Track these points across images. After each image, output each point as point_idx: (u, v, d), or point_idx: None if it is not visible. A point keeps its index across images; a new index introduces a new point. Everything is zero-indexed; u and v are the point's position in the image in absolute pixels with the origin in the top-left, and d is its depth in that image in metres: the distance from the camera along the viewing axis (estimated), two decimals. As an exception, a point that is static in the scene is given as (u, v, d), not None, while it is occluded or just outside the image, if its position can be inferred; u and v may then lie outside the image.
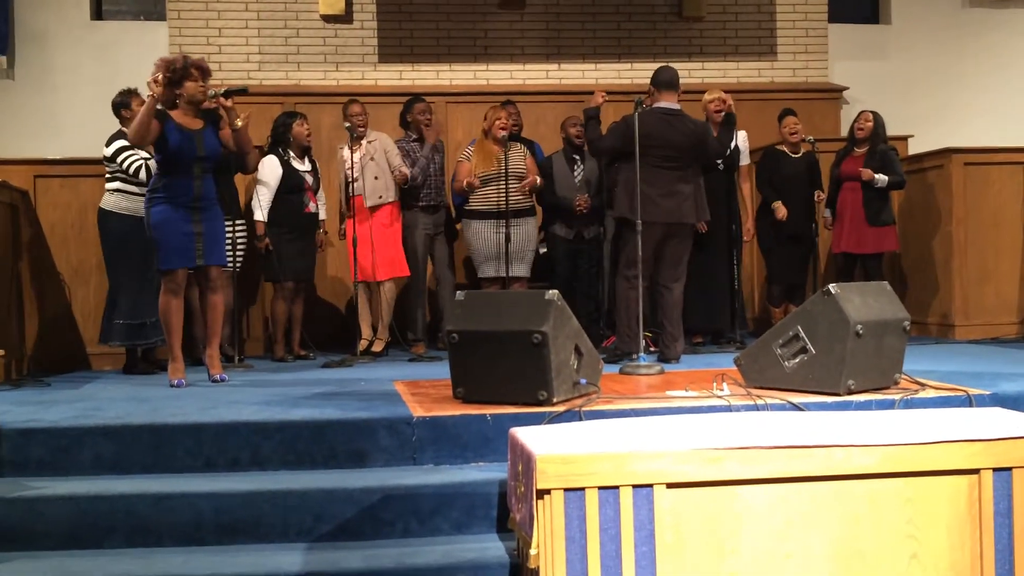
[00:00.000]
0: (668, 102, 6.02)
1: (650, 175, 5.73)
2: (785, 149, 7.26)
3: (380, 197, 6.76)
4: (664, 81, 6.07)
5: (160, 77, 5.24)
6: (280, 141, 6.82)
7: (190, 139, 5.29)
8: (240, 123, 5.39)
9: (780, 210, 7.08)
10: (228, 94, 5.37)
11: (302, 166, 6.85)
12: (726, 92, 6.95)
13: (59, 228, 6.78)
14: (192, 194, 5.32)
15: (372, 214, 6.76)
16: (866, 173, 6.95)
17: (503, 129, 6.66)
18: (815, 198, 7.15)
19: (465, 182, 6.81)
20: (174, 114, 5.34)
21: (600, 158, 6.65)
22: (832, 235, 7.34)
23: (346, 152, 6.71)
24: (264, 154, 6.83)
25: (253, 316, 7.68)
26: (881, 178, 6.97)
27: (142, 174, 5.98)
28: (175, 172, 5.32)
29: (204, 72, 5.39)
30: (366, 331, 6.92)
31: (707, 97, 7.02)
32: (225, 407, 4.41)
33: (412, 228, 6.99)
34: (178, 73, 5.32)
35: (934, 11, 9.55)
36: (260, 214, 6.71)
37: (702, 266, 6.74)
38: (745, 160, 7.16)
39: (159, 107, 5.30)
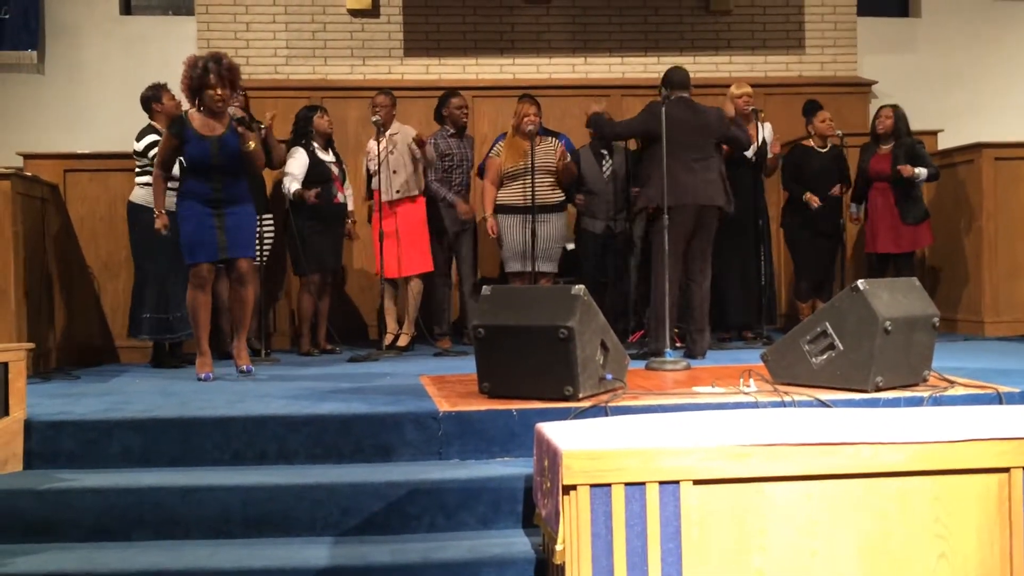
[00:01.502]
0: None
1: (679, 161, 5.76)
2: (812, 144, 7.20)
3: (397, 192, 6.75)
4: (677, 82, 6.10)
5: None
6: (302, 135, 6.85)
7: (206, 147, 5.31)
8: (252, 146, 5.37)
9: (813, 200, 7.02)
10: (239, 122, 5.38)
11: (327, 157, 6.87)
12: (753, 87, 6.94)
13: (88, 222, 6.84)
14: (212, 196, 5.35)
15: (397, 208, 6.76)
16: (907, 170, 6.86)
17: (532, 123, 6.64)
18: (839, 192, 7.09)
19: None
20: (196, 120, 5.36)
21: (622, 140, 6.65)
22: (866, 236, 7.27)
23: (371, 144, 6.72)
24: (289, 147, 6.85)
25: (279, 310, 7.72)
26: (921, 171, 6.90)
27: (175, 169, 6.02)
28: (195, 176, 5.36)
29: (223, 77, 5.32)
30: (391, 325, 6.94)
31: (735, 91, 6.99)
32: (253, 400, 4.43)
33: (438, 224, 6.99)
34: (196, 81, 5.32)
35: (964, 4, 9.44)
36: (295, 185, 6.68)
37: (730, 261, 6.72)
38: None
39: (178, 115, 5.43)
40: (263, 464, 3.92)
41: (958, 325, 7.43)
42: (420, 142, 6.64)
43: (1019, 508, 3.02)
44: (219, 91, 5.29)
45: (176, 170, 5.98)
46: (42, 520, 3.58)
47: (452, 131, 7.05)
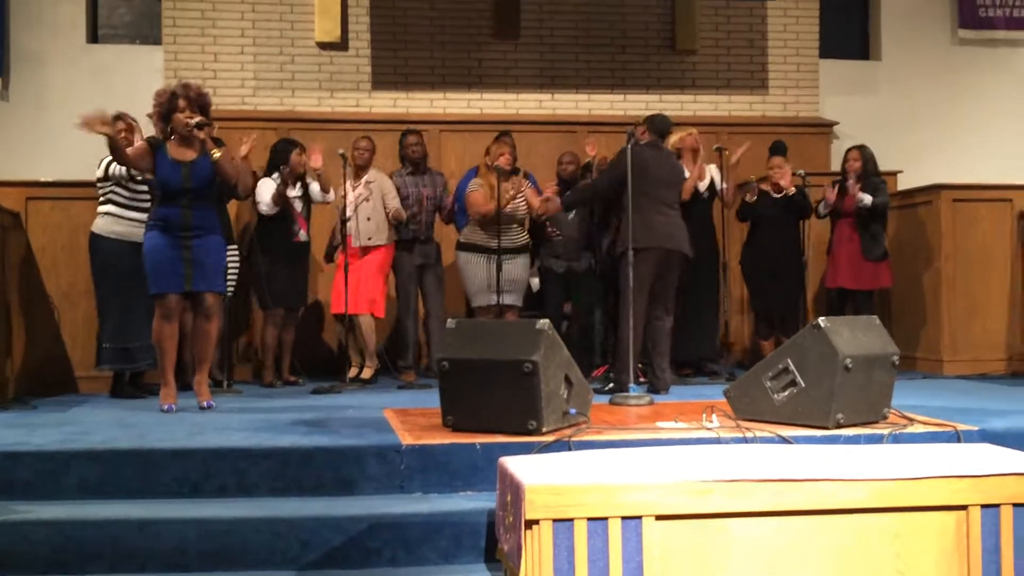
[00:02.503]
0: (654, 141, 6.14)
1: (651, 204, 5.84)
2: (768, 188, 7.27)
3: (369, 239, 6.78)
4: (660, 130, 6.21)
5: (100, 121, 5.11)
6: (276, 167, 6.84)
7: (177, 173, 5.29)
8: (217, 154, 5.35)
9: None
10: (199, 126, 5.34)
11: (293, 192, 6.86)
12: (717, 125, 7.08)
13: (50, 250, 6.76)
14: (181, 223, 5.31)
15: (366, 251, 6.78)
16: (851, 188, 6.98)
17: (507, 164, 6.69)
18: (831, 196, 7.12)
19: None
20: (169, 146, 5.35)
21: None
22: (827, 270, 7.36)
23: (346, 187, 6.71)
24: (258, 178, 6.84)
25: (242, 342, 7.67)
26: (865, 196, 6.99)
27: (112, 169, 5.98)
28: (165, 201, 5.34)
29: (192, 101, 5.31)
30: (355, 358, 6.91)
31: (679, 134, 6.99)
32: (213, 433, 4.39)
33: (402, 259, 7.00)
34: (165, 107, 5.32)
35: (924, 48, 9.64)
36: (267, 198, 6.69)
37: (689, 297, 6.77)
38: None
39: (153, 138, 5.37)
40: (223, 497, 3.88)
41: (917, 363, 7.52)
42: (397, 219, 6.79)
43: (977, 545, 3.05)
44: (189, 111, 5.28)
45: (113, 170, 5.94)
46: (-5, 552, 3.51)
47: (410, 168, 7.09)
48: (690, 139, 7.04)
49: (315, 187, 6.82)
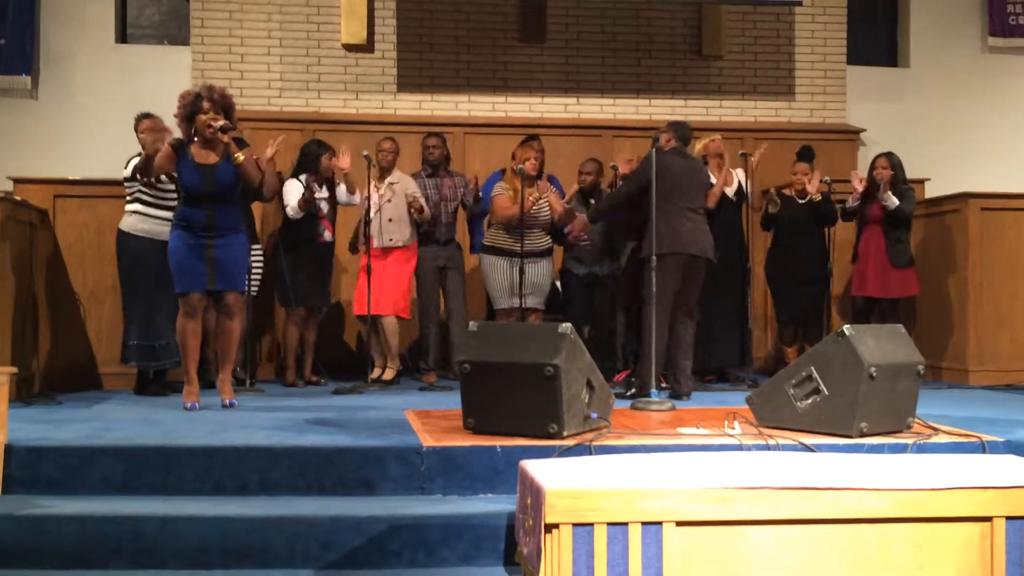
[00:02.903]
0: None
1: (675, 210, 5.84)
2: (792, 193, 7.24)
3: (390, 240, 6.78)
4: (683, 136, 6.20)
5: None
6: (305, 168, 6.86)
7: (200, 175, 5.32)
8: (240, 158, 5.36)
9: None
10: (223, 130, 5.33)
11: (320, 194, 6.88)
12: (743, 131, 7.06)
13: (76, 248, 6.82)
14: (204, 223, 5.34)
15: (390, 253, 6.79)
16: (884, 189, 6.93)
17: (533, 169, 6.69)
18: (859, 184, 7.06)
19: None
20: (194, 148, 5.37)
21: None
22: (854, 278, 7.31)
23: (369, 188, 6.73)
24: (284, 180, 6.87)
25: (265, 340, 7.70)
26: (891, 197, 6.94)
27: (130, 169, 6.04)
28: (188, 202, 5.37)
29: (216, 104, 5.32)
30: (378, 359, 6.92)
31: (703, 141, 7.03)
32: (235, 431, 4.41)
33: (424, 260, 7.01)
34: (188, 108, 5.33)
35: (952, 55, 9.57)
36: (294, 202, 6.72)
37: (714, 303, 6.74)
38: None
39: (177, 140, 5.41)
40: (244, 495, 3.90)
41: (942, 373, 7.46)
42: (418, 209, 6.74)
43: (1001, 557, 3.02)
44: (210, 115, 5.29)
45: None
46: (19, 546, 3.54)
47: (429, 170, 7.10)
48: (714, 145, 7.05)
49: (342, 188, 6.84)
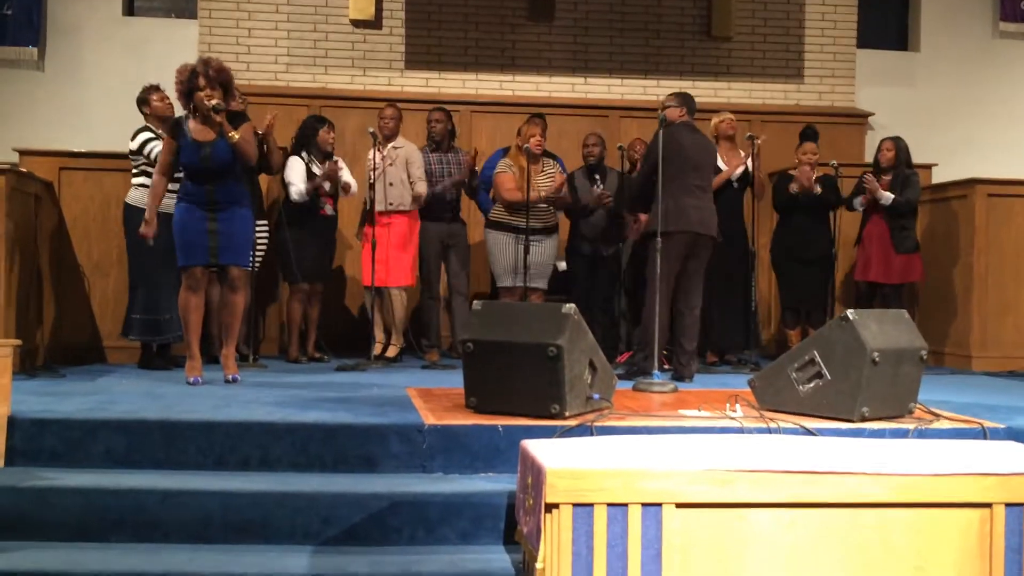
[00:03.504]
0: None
1: (684, 187, 5.81)
2: (798, 175, 7.21)
3: (391, 204, 6.77)
4: (693, 109, 6.16)
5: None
6: (305, 143, 6.86)
7: (197, 152, 5.31)
8: (235, 136, 5.32)
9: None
10: (215, 110, 5.30)
11: (321, 170, 6.88)
12: (751, 113, 7.04)
13: (81, 221, 6.82)
14: (205, 198, 5.35)
15: (389, 220, 6.78)
16: (871, 182, 6.89)
17: (539, 146, 6.66)
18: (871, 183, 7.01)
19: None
20: (191, 125, 5.36)
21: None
22: (857, 263, 7.30)
23: (371, 154, 6.73)
24: (287, 155, 6.87)
25: (269, 316, 7.71)
26: (886, 195, 6.93)
27: (147, 148, 6.04)
28: (190, 179, 5.38)
29: (212, 81, 5.29)
30: (379, 335, 6.93)
31: (716, 119, 7.04)
32: (238, 406, 4.42)
33: (427, 236, 7.00)
34: (186, 85, 5.31)
35: (963, 40, 9.52)
36: (303, 187, 6.72)
37: (719, 286, 6.74)
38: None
39: (174, 120, 5.43)
40: (246, 471, 3.91)
41: (945, 359, 7.45)
42: (415, 196, 6.79)
43: (1000, 544, 3.02)
44: (207, 91, 5.27)
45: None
46: (21, 518, 3.56)
47: (432, 146, 7.08)
48: (724, 126, 7.02)
49: (346, 173, 6.82)
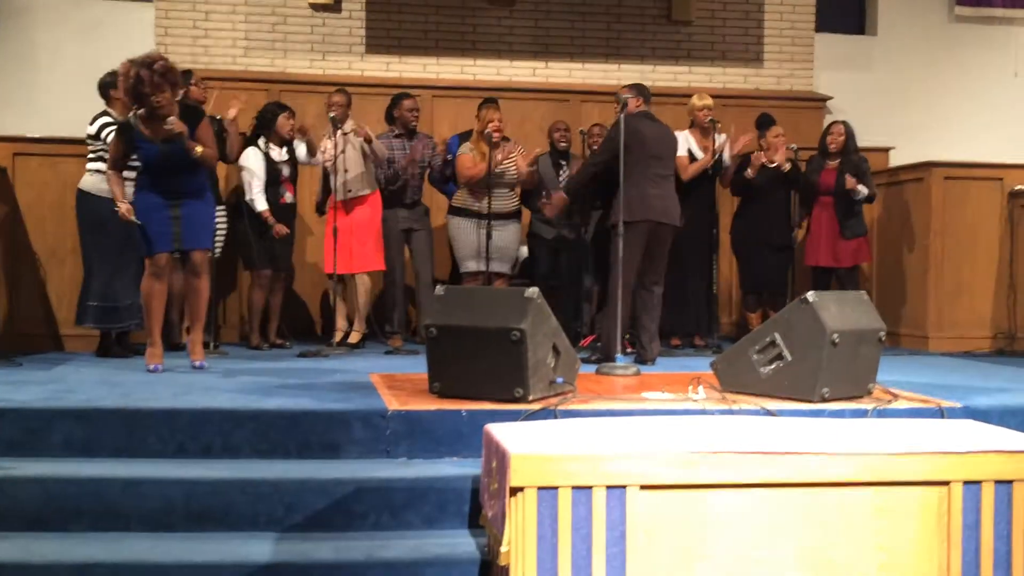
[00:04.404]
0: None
1: (645, 176, 5.82)
2: (763, 158, 7.24)
3: (349, 191, 6.71)
4: (648, 97, 6.20)
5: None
6: (264, 129, 6.79)
7: (155, 150, 5.24)
8: (199, 151, 5.26)
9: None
10: (178, 136, 5.22)
11: (280, 156, 6.82)
12: (712, 98, 7.07)
13: (36, 207, 6.72)
14: (168, 189, 5.29)
15: (352, 206, 6.73)
16: (850, 182, 6.97)
17: (496, 132, 6.63)
18: (852, 185, 7.04)
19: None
20: (142, 125, 5.24)
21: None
22: (807, 248, 7.36)
23: (326, 142, 6.68)
24: (246, 142, 6.80)
25: (229, 303, 7.65)
26: (862, 189, 7.01)
27: (105, 133, 5.95)
28: (149, 173, 5.31)
29: (156, 84, 5.10)
30: (341, 322, 6.88)
31: (696, 103, 7.07)
32: (198, 393, 4.39)
33: (390, 222, 6.96)
34: (131, 91, 5.15)
35: (920, 25, 9.61)
36: (262, 203, 6.68)
37: (682, 269, 6.78)
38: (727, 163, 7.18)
39: (126, 121, 5.33)
40: (207, 458, 3.88)
41: (902, 340, 7.55)
42: (366, 137, 6.61)
43: (958, 521, 3.07)
44: (156, 98, 5.14)
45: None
46: (-22, 509, 3.51)
47: (399, 132, 7.03)
48: (703, 115, 7.01)
49: (302, 149, 6.78)
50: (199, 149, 5.26)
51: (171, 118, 5.18)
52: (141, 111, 5.23)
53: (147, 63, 5.13)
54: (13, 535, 3.45)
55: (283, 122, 6.78)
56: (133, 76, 5.12)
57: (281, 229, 6.68)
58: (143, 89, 5.12)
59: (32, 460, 3.78)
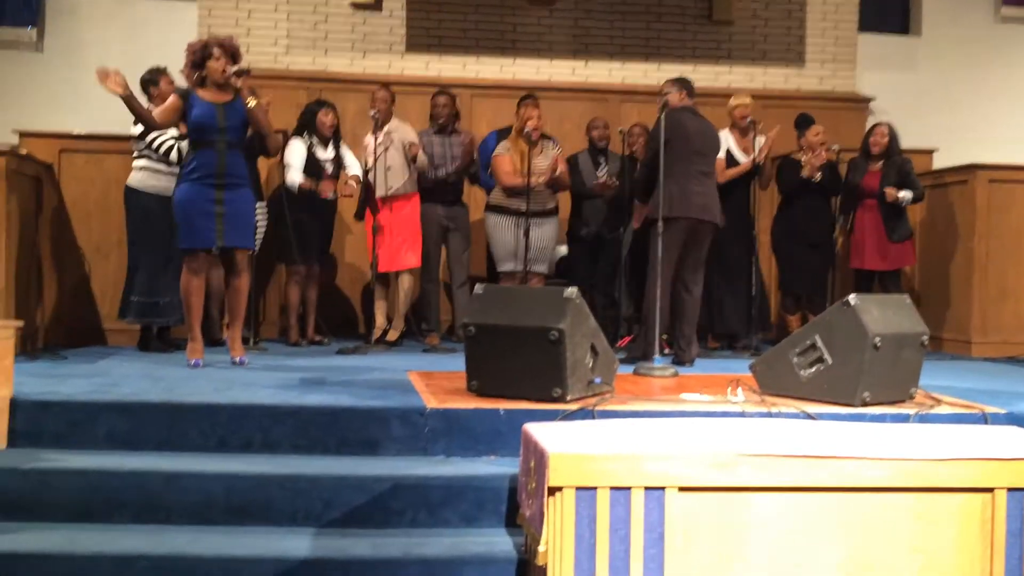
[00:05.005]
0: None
1: (687, 172, 5.79)
2: (801, 157, 7.19)
3: (390, 188, 6.75)
4: (693, 92, 6.14)
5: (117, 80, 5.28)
6: (306, 127, 6.84)
7: (212, 112, 5.31)
8: (252, 103, 5.37)
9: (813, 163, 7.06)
10: (237, 74, 5.34)
11: (324, 154, 6.86)
12: (754, 98, 7.02)
13: (82, 203, 6.81)
14: (216, 168, 5.32)
15: (391, 204, 6.77)
16: (890, 194, 6.91)
17: (535, 129, 6.62)
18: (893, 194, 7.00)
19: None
20: (200, 92, 5.37)
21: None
22: (852, 251, 7.30)
23: (368, 139, 6.72)
24: (288, 138, 6.85)
25: (269, 299, 7.71)
26: (906, 195, 6.94)
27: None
28: (200, 144, 5.35)
29: (227, 51, 5.38)
30: (380, 319, 6.92)
31: (732, 103, 7.03)
32: (239, 389, 4.43)
33: (428, 218, 6.99)
34: (198, 55, 5.36)
35: (965, 24, 9.48)
36: (299, 176, 6.70)
37: (720, 270, 6.74)
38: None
39: (183, 89, 5.41)
40: (248, 453, 3.91)
41: (945, 344, 7.46)
42: (412, 155, 6.70)
43: (1001, 529, 3.03)
44: (221, 60, 5.33)
45: (174, 156, 5.99)
46: (24, 499, 3.57)
47: (436, 129, 7.06)
48: (739, 112, 6.97)
49: (350, 157, 6.88)
50: (252, 100, 5.35)
51: (238, 67, 5.36)
52: (201, 82, 5.38)
53: (216, 37, 5.50)
54: (58, 526, 3.50)
55: (321, 118, 6.82)
56: (201, 44, 5.42)
57: (326, 187, 6.69)
58: (211, 52, 5.34)
59: (77, 452, 3.84)
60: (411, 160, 6.73)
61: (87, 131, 7.13)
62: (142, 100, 6.32)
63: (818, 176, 7.01)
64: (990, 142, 8.92)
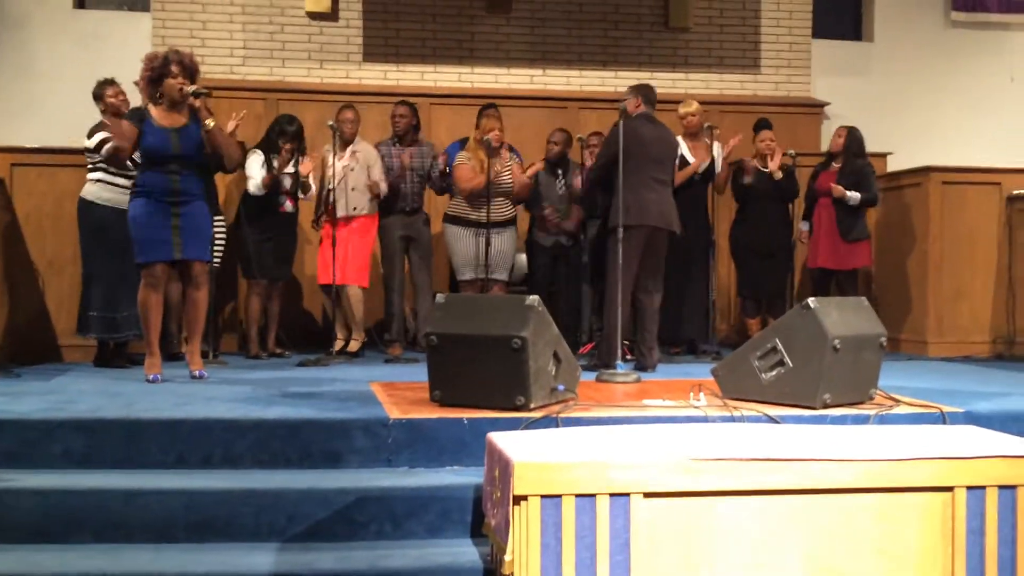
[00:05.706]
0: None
1: (643, 180, 5.81)
2: (756, 163, 7.26)
3: (354, 209, 6.74)
4: (650, 100, 6.14)
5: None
6: (270, 141, 6.79)
7: (166, 139, 5.24)
8: (211, 124, 5.30)
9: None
10: (195, 95, 5.28)
11: (286, 168, 6.80)
12: (708, 104, 7.06)
13: (34, 217, 6.71)
14: (169, 189, 5.26)
15: (351, 222, 6.75)
16: (837, 190, 7.01)
17: (497, 140, 6.62)
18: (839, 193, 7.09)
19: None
20: (155, 112, 5.29)
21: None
22: (808, 250, 7.38)
23: (330, 156, 6.68)
24: (247, 151, 6.79)
25: (228, 313, 7.64)
26: (853, 195, 7.02)
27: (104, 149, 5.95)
28: (152, 168, 5.28)
29: (185, 68, 5.28)
30: (340, 331, 6.88)
31: (681, 110, 7.06)
32: (199, 403, 4.37)
33: (389, 229, 6.97)
34: (156, 71, 5.25)
35: (916, 30, 9.63)
36: (260, 175, 6.66)
37: (680, 276, 6.77)
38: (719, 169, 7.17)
39: (134, 110, 5.34)
40: (209, 468, 3.86)
41: (902, 345, 7.55)
42: (372, 191, 6.75)
43: (962, 527, 3.07)
44: (180, 79, 5.23)
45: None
46: (-22, 520, 3.50)
47: (395, 140, 7.05)
48: (689, 121, 7.00)
49: (305, 173, 6.82)
50: (210, 122, 5.27)
51: (194, 88, 5.25)
52: (158, 99, 5.27)
53: (175, 51, 5.34)
54: (14, 547, 3.43)
55: (283, 143, 6.76)
56: (160, 59, 5.26)
57: (280, 169, 6.67)
58: (169, 69, 5.22)
59: (32, 472, 3.76)
60: (369, 190, 6.76)
61: (39, 144, 7.03)
62: (94, 114, 6.25)
63: (779, 174, 7.06)
64: (943, 145, 9.06)
